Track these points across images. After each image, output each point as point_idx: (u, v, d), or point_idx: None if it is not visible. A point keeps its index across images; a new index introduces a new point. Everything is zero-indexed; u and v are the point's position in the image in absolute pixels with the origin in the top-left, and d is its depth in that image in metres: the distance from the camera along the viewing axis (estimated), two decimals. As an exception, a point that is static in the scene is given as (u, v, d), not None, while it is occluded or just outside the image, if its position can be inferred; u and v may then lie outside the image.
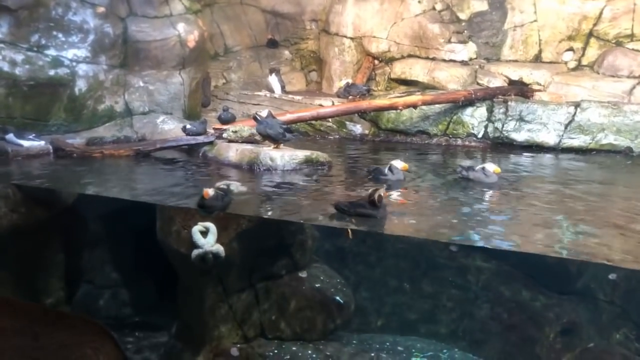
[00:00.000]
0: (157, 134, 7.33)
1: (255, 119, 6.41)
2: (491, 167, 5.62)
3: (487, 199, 5.27)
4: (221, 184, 5.02)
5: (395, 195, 5.24)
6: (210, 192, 4.50)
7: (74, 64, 7.21)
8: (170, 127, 7.41)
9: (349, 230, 4.60)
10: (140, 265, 6.25)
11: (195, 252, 4.73)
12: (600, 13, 8.82)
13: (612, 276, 5.23)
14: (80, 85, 7.31)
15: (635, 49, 8.56)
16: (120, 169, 6.36)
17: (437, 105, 8.24)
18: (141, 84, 7.81)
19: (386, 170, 5.64)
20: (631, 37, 8.66)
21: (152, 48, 7.72)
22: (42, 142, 6.58)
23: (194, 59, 8.06)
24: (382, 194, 4.39)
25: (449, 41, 9.52)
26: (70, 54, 7.17)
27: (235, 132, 6.63)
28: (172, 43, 7.81)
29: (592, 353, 5.16)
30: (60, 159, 6.46)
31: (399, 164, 5.65)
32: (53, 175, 6.02)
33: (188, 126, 6.94)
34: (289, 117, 7.49)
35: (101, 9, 7.34)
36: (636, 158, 7.29)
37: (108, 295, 6.34)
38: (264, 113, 6.43)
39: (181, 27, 7.88)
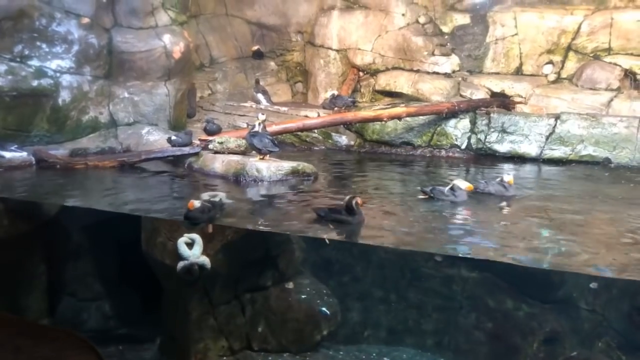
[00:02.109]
0: (142, 145, 7.29)
1: (251, 132, 6.33)
2: (463, 184, 5.39)
3: (467, 211, 5.32)
4: (208, 195, 5.01)
5: (460, 217, 5.02)
6: (195, 203, 4.49)
7: (58, 74, 7.15)
8: (156, 138, 7.38)
9: (326, 239, 4.68)
10: (125, 278, 6.17)
11: (181, 263, 4.71)
12: (579, 27, 9.07)
13: (593, 285, 5.32)
14: (64, 95, 7.24)
15: (612, 62, 8.79)
16: (105, 180, 6.31)
17: (421, 117, 8.35)
18: (126, 94, 7.77)
19: (447, 190, 5.27)
20: (608, 50, 8.91)
21: (137, 59, 7.70)
22: (25, 153, 6.49)
23: (179, 70, 8.06)
24: (358, 201, 4.51)
25: (433, 54, 9.68)
26: (54, 64, 7.12)
27: (221, 143, 6.63)
28: (158, 54, 7.80)
29: (575, 361, 5.23)
30: (43, 171, 6.38)
31: (462, 183, 5.29)
32: (35, 187, 5.94)
33: (173, 137, 6.92)
34: (275, 128, 7.52)
35: (86, 20, 7.32)
36: (614, 169, 7.46)
37: (91, 308, 6.24)
38: (261, 117, 6.40)
39: (167, 38, 7.88)
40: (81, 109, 7.43)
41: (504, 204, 5.50)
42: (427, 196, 5.41)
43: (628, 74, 8.67)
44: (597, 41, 8.95)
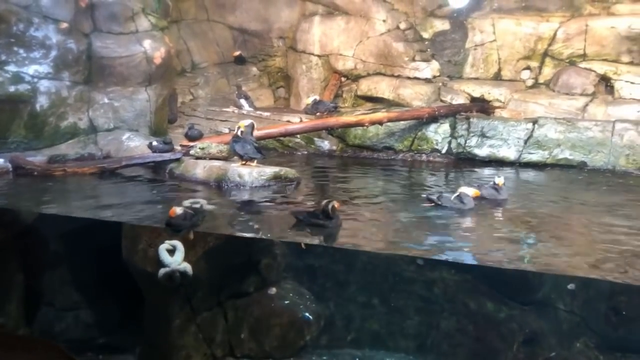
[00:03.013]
0: (122, 151, 7.21)
1: (236, 136, 6.29)
2: (470, 191, 5.31)
3: (446, 215, 5.38)
4: (189, 202, 4.98)
5: (466, 226, 4.95)
6: (177, 210, 4.46)
7: (36, 80, 7.05)
8: (136, 144, 7.31)
9: (302, 244, 4.73)
10: (104, 286, 6.08)
11: (162, 270, 4.66)
12: (554, 34, 9.26)
13: (570, 286, 5.42)
14: (42, 101, 7.14)
15: (587, 68, 9.00)
16: (84, 187, 6.22)
17: (402, 122, 8.43)
18: (106, 100, 7.69)
19: (453, 198, 5.18)
20: (583, 56, 9.12)
21: (117, 64, 7.63)
22: (1, 160, 6.38)
23: (160, 75, 8.01)
24: (335, 205, 4.53)
25: (413, 59, 9.79)
26: (31, 70, 7.01)
27: (203, 148, 6.60)
28: (138, 59, 7.74)
29: (554, 362, 5.31)
30: (20, 178, 6.27)
31: (469, 190, 5.19)
32: (12, 194, 5.83)
33: (154, 143, 6.86)
34: (257, 133, 7.48)
35: (64, 25, 7.23)
36: (589, 172, 7.63)
37: (70, 318, 6.13)
38: (243, 122, 6.37)
39: (147, 43, 7.83)
40: (60, 114, 7.33)
41: (497, 207, 5.49)
42: (432, 204, 5.26)
43: (602, 79, 8.88)
44: (572, 47, 9.15)
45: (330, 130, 8.71)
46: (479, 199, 5.42)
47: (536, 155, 7.92)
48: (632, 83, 8.61)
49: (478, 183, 5.94)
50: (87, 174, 6.47)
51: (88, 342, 5.99)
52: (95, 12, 7.66)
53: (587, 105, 8.61)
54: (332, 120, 8.29)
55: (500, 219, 5.29)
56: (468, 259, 4.47)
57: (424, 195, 5.53)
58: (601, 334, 5.38)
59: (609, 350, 5.32)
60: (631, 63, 8.80)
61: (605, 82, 8.87)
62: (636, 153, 7.56)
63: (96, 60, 7.52)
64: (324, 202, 4.58)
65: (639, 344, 5.27)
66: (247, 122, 6.38)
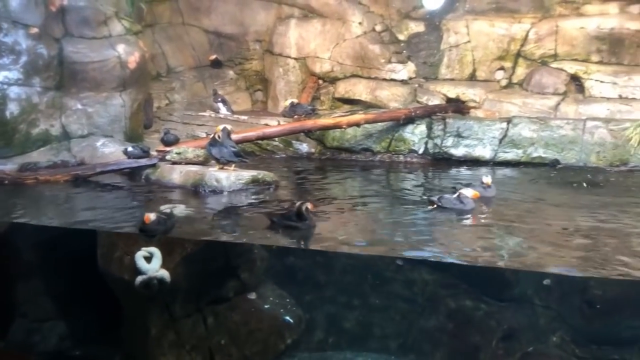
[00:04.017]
0: (97, 158, 7.09)
1: (212, 140, 6.26)
2: (469, 192, 5.39)
3: (426, 215, 5.43)
4: (165, 208, 4.93)
5: (466, 224, 5.03)
6: (151, 216, 4.41)
7: (5, 86, 6.90)
8: (111, 150, 7.19)
9: (274, 246, 4.74)
10: (80, 296, 5.96)
11: (139, 278, 4.60)
12: (526, 35, 9.44)
13: (546, 282, 5.52)
14: (12, 108, 6.98)
15: (558, 68, 9.19)
16: (57, 195, 6.09)
17: (379, 124, 8.48)
18: (79, 106, 7.55)
19: (454, 199, 5.26)
20: (555, 57, 9.31)
21: (90, 69, 7.50)
22: (-30, 169, 6.22)
23: (135, 80, 7.90)
24: (308, 207, 4.53)
25: (390, 61, 9.87)
26: (0, 76, 6.85)
27: (179, 153, 6.53)
28: (112, 64, 7.63)
29: (532, 357, 5.39)
30: (-10, 187, 6.11)
31: (469, 192, 5.26)
32: (-18, 204, 5.67)
33: (130, 149, 6.76)
34: (234, 137, 7.44)
35: (34, 30, 7.09)
36: (562, 170, 7.78)
37: (45, 329, 5.98)
38: (220, 127, 6.28)
39: (121, 48, 7.72)
40: (31, 121, 7.17)
41: (483, 206, 5.52)
42: (435, 206, 5.31)
43: (573, 78, 9.08)
44: (544, 48, 9.34)
45: (308, 133, 8.71)
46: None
47: (511, 154, 8.06)
48: (601, 82, 8.83)
49: (467, 182, 6.01)
50: (61, 181, 6.34)
51: (64, 353, 5.86)
52: (67, 17, 7.52)
53: (559, 104, 8.79)
54: (310, 123, 8.30)
55: (479, 219, 5.34)
56: (447, 257, 4.52)
57: (425, 197, 5.60)
58: (576, 328, 5.49)
59: (584, 343, 5.43)
60: (600, 62, 9.02)
61: (576, 82, 9.07)
62: (606, 150, 7.75)
63: (68, 66, 7.38)
64: (298, 203, 4.56)
65: (613, 336, 5.40)
66: (221, 126, 6.33)
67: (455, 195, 5.32)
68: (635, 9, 9.14)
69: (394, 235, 4.74)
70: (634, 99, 8.57)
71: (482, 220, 5.19)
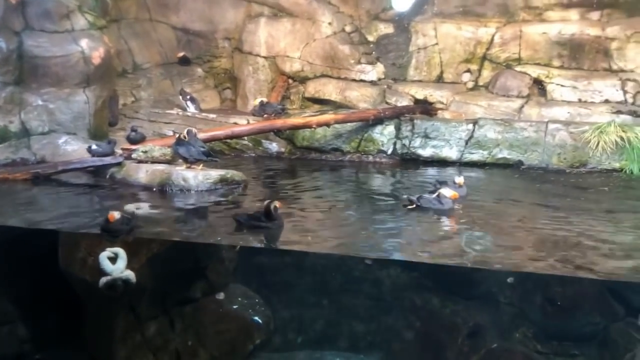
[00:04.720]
0: (59, 156, 6.88)
1: (178, 139, 6.14)
2: (448, 192, 5.41)
3: (396, 215, 5.50)
4: (130, 207, 4.83)
5: (445, 224, 5.09)
6: (116, 215, 4.31)
7: (-40, 80, 6.62)
8: (74, 148, 6.99)
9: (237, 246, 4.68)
10: (41, 298, 5.77)
11: (103, 279, 4.49)
12: (492, 39, 9.67)
13: (510, 280, 5.68)
14: (-32, 104, 6.71)
15: (522, 71, 9.44)
16: (16, 194, 5.88)
17: (349, 124, 8.53)
18: (40, 102, 7.30)
19: (433, 199, 5.30)
20: (519, 60, 9.57)
21: (52, 64, 7.27)
22: None
23: (99, 76, 7.69)
24: (277, 206, 4.50)
25: (359, 62, 9.93)
26: (-45, 70, 6.58)
27: (145, 152, 6.40)
28: (75, 59, 7.40)
29: (496, 353, 5.55)
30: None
31: (447, 192, 5.31)
32: None
33: (94, 147, 6.58)
34: (202, 135, 7.35)
35: (-8, 22, 6.82)
36: (525, 170, 8.01)
37: (4, 332, 5.77)
38: (185, 130, 6.16)
39: (84, 43, 7.50)
40: (-12, 117, 6.91)
41: (456, 205, 5.56)
42: (414, 205, 5.33)
43: (536, 82, 9.36)
44: (508, 51, 9.58)
45: (278, 132, 8.68)
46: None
47: (477, 155, 8.24)
48: (562, 86, 9.13)
49: (442, 180, 6.09)
50: (19, 180, 6.12)
51: (24, 357, 5.67)
52: (27, 9, 7.27)
53: (522, 106, 9.04)
54: (280, 122, 8.27)
55: (445, 218, 5.44)
56: (413, 257, 4.59)
57: (405, 196, 5.60)
58: (538, 324, 5.67)
59: (546, 339, 5.61)
60: (562, 67, 9.33)
61: (539, 85, 9.35)
62: (566, 152, 8.01)
63: (28, 60, 7.14)
64: (266, 202, 4.53)
65: (574, 332, 5.61)
66: (186, 129, 6.19)
67: (434, 195, 5.38)
68: (595, 16, 9.49)
69: (363, 235, 4.77)
70: (592, 102, 8.90)
71: (460, 220, 5.27)
